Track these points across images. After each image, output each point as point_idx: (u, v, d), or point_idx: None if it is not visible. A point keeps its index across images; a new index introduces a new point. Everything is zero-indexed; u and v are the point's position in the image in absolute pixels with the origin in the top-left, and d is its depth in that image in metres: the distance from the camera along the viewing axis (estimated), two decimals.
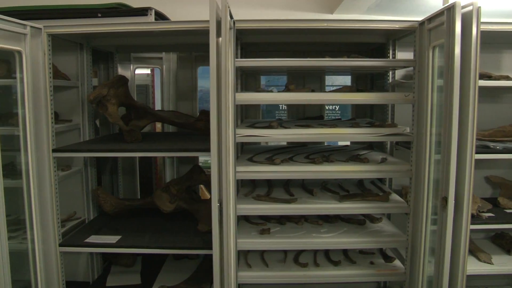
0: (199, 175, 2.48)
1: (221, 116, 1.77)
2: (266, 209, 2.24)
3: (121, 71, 3.02)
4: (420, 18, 2.10)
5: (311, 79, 3.00)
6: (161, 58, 3.08)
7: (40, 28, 2.14)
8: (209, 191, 2.41)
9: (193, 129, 2.67)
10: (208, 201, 2.41)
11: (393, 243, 2.28)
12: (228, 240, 1.76)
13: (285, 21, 2.10)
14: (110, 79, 2.42)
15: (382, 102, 2.39)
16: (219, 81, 1.69)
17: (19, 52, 2.03)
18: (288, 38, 2.52)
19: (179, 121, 2.65)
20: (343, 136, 2.21)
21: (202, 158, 3.35)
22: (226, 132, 1.72)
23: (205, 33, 2.23)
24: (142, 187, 3.29)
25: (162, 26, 2.17)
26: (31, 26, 2.08)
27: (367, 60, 2.20)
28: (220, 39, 1.83)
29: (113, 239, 2.32)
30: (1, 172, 1.92)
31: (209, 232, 2.36)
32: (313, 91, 2.38)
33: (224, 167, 1.78)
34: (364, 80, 2.98)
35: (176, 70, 3.07)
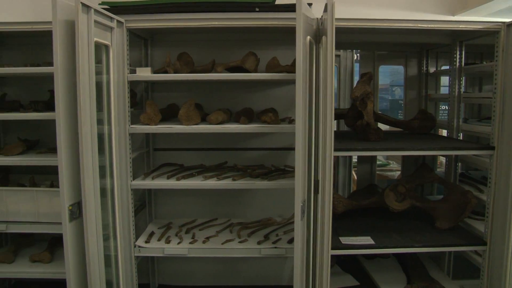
0: (430, 174, 2.49)
1: None
2: None
3: None
4: None
5: None
6: (338, 56, 3.02)
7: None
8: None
9: (406, 128, 2.68)
10: (450, 199, 2.43)
11: None
12: None
13: None
14: (364, 76, 2.36)
15: None
16: None
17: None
18: None
19: (391, 120, 2.65)
20: None
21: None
22: None
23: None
24: None
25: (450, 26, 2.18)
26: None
27: None
28: None
29: (366, 240, 2.28)
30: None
31: (450, 229, 2.42)
32: None
33: None
34: None
35: (352, 68, 3.03)
